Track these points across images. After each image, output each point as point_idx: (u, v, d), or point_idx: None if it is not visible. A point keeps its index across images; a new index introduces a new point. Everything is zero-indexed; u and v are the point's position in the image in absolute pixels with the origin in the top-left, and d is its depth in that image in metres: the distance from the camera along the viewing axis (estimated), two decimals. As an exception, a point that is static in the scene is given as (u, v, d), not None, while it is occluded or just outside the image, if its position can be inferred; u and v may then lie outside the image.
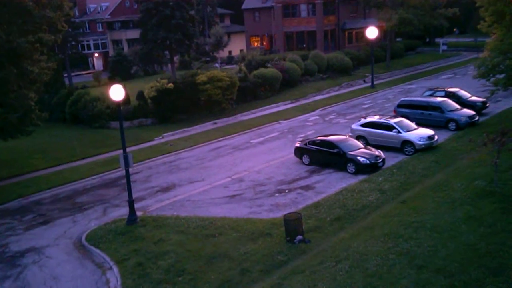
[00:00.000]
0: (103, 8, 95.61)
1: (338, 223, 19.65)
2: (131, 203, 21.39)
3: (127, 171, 21.33)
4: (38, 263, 19.08)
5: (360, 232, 18.54)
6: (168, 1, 43.77)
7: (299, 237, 18.28)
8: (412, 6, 55.13)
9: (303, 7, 63.68)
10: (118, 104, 21.01)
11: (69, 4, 29.15)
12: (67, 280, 17.46)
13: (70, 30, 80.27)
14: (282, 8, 64.85)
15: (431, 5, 57.02)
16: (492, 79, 28.46)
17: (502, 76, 28.09)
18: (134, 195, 23.08)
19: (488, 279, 14.00)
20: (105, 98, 41.86)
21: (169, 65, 50.24)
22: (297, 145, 28.88)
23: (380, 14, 57.15)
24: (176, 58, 53.84)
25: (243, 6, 78.09)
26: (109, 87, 20.55)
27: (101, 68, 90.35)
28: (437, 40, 78.63)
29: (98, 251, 19.32)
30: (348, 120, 37.62)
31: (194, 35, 45.55)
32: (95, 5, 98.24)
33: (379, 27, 54.84)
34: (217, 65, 67.12)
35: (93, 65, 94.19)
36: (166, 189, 26.29)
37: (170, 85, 39.06)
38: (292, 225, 18.27)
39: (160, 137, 37.12)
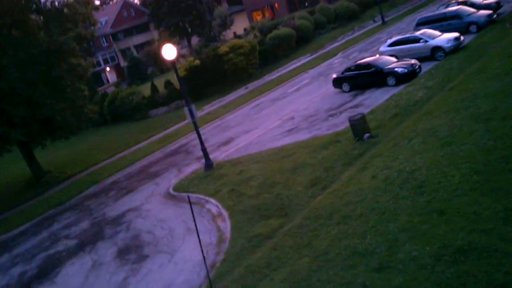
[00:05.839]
0: (103, 23, 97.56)
1: (398, 118, 21.15)
2: (204, 150, 23.10)
3: (194, 123, 23.00)
4: (140, 216, 20.97)
5: (421, 118, 20.01)
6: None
7: (367, 134, 19.84)
8: None
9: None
10: (172, 62, 22.62)
11: None
12: (173, 218, 19.27)
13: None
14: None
15: None
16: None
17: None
18: (198, 154, 24.79)
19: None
20: (139, 91, 43.96)
21: (187, 51, 51.73)
22: (334, 76, 30.35)
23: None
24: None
25: (239, -17, 79.34)
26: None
27: (115, 80, 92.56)
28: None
29: (189, 194, 21.09)
30: (372, 53, 38.93)
31: (204, 12, 47.08)
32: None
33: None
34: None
35: (107, 80, 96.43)
36: (226, 143, 28.08)
37: (197, 61, 40.80)
38: (358, 125, 19.83)
39: (201, 110, 38.89)
